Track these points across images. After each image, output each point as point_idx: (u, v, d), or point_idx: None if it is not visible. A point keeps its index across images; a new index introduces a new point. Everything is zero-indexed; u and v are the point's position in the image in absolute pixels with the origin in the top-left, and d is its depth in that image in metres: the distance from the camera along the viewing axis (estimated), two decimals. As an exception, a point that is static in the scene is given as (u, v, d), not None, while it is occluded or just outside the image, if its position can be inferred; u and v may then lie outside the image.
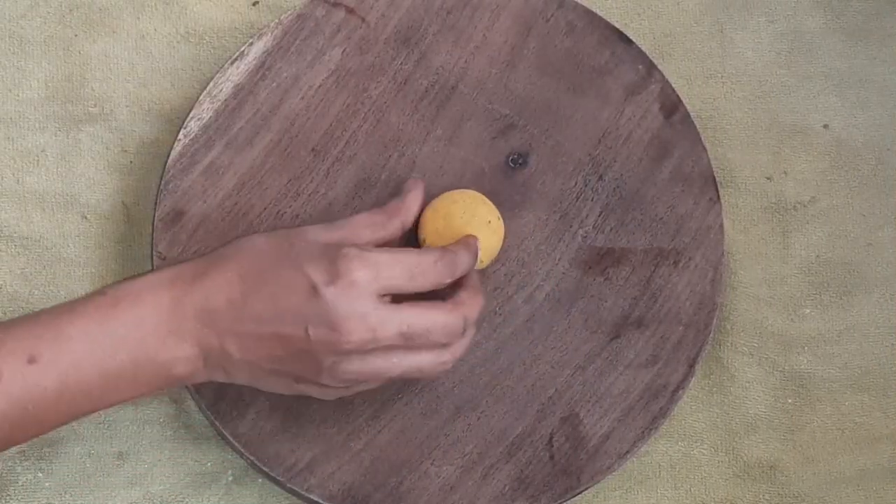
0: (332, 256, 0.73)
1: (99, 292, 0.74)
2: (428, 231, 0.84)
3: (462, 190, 0.86)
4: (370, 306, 0.72)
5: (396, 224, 0.80)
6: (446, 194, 0.85)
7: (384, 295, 0.74)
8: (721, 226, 0.89)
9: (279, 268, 0.73)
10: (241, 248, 0.75)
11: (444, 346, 0.76)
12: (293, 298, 0.72)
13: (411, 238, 0.85)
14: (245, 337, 0.73)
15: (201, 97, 0.88)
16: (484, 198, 0.85)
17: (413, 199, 0.82)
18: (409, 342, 0.74)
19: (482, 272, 0.87)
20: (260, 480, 0.87)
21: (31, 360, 0.71)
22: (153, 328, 0.73)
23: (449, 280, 0.77)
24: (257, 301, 0.73)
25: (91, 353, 0.72)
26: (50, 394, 0.71)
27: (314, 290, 0.72)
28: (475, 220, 0.84)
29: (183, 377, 0.75)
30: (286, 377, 0.75)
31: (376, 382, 0.77)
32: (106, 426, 0.87)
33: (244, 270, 0.74)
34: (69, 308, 0.73)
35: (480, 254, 0.83)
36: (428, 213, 0.84)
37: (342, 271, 0.72)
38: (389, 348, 0.74)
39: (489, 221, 0.84)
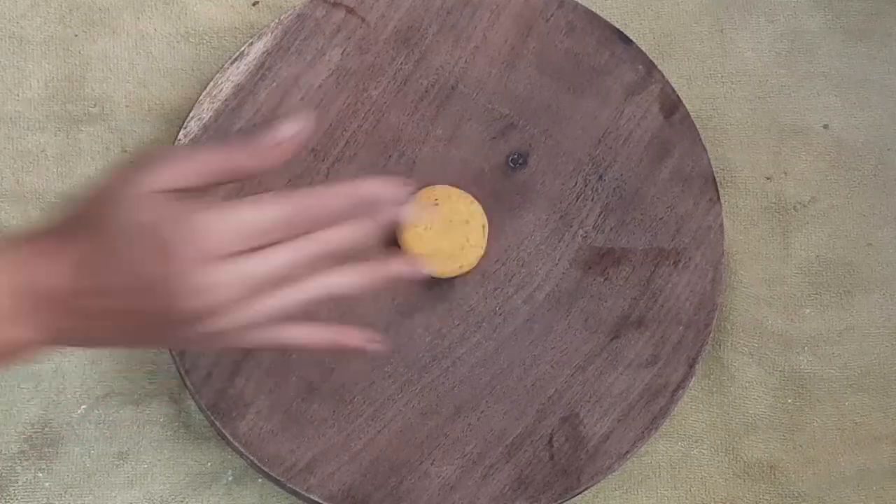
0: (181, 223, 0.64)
1: None
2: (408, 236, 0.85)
3: (440, 186, 0.87)
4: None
5: (246, 166, 0.67)
6: (426, 190, 0.87)
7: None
8: (721, 226, 0.89)
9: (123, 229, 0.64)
10: (84, 223, 0.66)
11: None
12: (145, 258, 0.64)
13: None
14: (93, 316, 0.65)
15: (201, 97, 0.88)
16: (459, 191, 0.87)
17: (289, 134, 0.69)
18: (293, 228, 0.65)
19: (482, 272, 0.87)
20: (260, 480, 0.87)
21: None
22: None
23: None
24: (108, 273, 0.64)
25: None
26: None
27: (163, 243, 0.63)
28: (457, 217, 0.85)
29: (23, 357, 0.67)
30: (147, 324, 0.66)
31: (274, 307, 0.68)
32: (106, 426, 0.87)
33: (87, 251, 0.65)
34: None
35: (470, 255, 0.85)
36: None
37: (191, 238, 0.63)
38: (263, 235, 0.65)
39: (467, 221, 0.86)
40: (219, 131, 0.88)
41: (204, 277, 0.63)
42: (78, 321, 0.65)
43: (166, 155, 0.65)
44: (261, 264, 0.64)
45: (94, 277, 0.64)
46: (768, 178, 0.93)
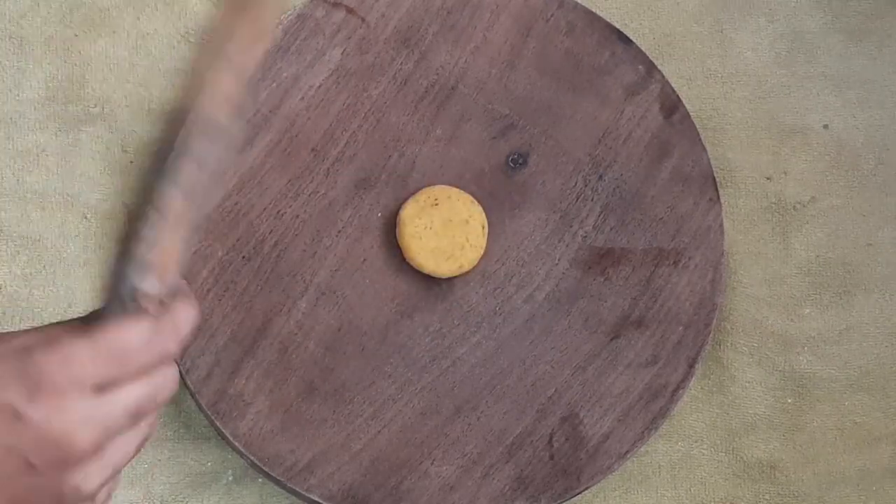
0: (22, 366, 0.56)
1: None
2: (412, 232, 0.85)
3: (439, 186, 0.87)
4: (88, 405, 0.57)
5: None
6: (426, 190, 0.87)
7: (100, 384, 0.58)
8: (721, 226, 0.89)
9: None
10: None
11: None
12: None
13: (396, 239, 0.85)
14: None
15: (201, 97, 0.88)
16: (459, 191, 0.87)
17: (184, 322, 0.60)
18: (140, 410, 0.60)
19: (482, 272, 0.87)
20: (260, 480, 0.87)
21: None
22: None
23: (176, 348, 0.60)
24: None
25: None
26: None
27: (16, 415, 0.56)
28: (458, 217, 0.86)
29: None
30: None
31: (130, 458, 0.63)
32: (106, 426, 0.87)
33: None
34: None
35: (471, 253, 0.85)
36: (411, 209, 0.86)
37: (41, 381, 0.56)
38: (128, 427, 0.60)
39: (467, 220, 0.86)
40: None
41: (60, 419, 0.57)
42: None
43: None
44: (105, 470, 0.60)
45: None
46: (768, 178, 0.93)
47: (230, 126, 0.60)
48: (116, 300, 0.58)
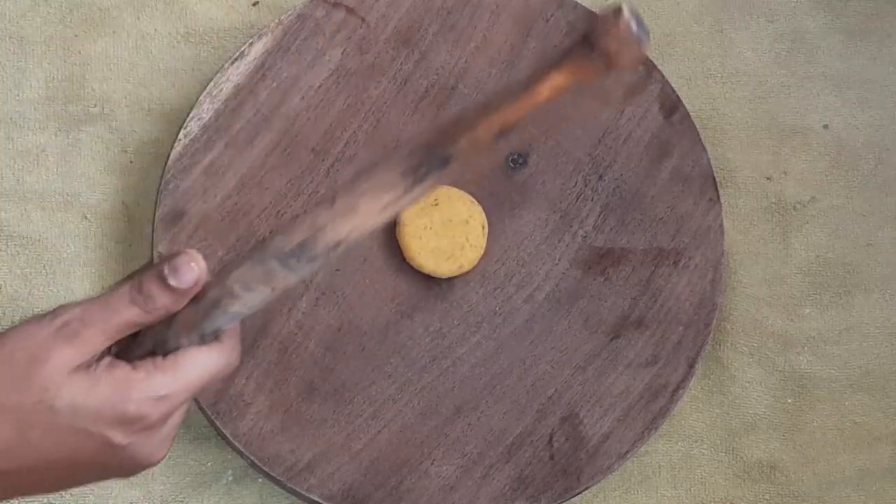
0: (119, 411, 0.63)
1: None
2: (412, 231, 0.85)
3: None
4: (166, 428, 0.66)
5: (160, 313, 0.65)
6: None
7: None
8: (721, 226, 0.89)
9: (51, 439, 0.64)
10: None
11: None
12: (86, 454, 0.64)
13: (395, 240, 0.85)
14: (32, 481, 0.65)
15: (201, 97, 0.88)
16: (459, 192, 0.87)
17: (189, 280, 0.65)
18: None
19: (482, 272, 0.87)
20: (260, 480, 0.87)
21: None
22: None
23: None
24: (40, 445, 0.63)
25: None
26: None
27: (109, 444, 0.64)
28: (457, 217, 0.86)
29: None
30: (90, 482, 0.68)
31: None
32: (106, 426, 0.87)
33: (7, 438, 0.63)
34: None
35: (471, 253, 0.85)
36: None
37: (136, 422, 0.64)
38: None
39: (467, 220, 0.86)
40: (219, 131, 0.88)
41: (148, 446, 0.65)
42: (10, 493, 0.65)
43: (66, 332, 0.63)
44: (177, 418, 0.66)
45: (19, 462, 0.63)
46: (768, 178, 0.93)
47: (336, 253, 0.64)
48: (196, 335, 0.64)
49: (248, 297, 0.64)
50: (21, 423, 0.63)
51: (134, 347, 0.66)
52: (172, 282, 0.63)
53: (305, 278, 0.64)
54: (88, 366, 0.63)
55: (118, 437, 0.63)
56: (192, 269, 0.64)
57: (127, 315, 0.64)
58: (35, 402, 0.62)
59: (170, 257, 0.64)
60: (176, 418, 0.66)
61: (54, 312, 0.64)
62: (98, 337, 0.63)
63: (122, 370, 0.63)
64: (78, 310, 0.63)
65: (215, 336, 0.65)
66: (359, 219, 0.62)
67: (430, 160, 0.61)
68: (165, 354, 0.64)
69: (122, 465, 0.65)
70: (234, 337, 0.66)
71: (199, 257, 0.64)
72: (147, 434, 0.64)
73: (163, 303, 0.64)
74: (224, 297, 0.64)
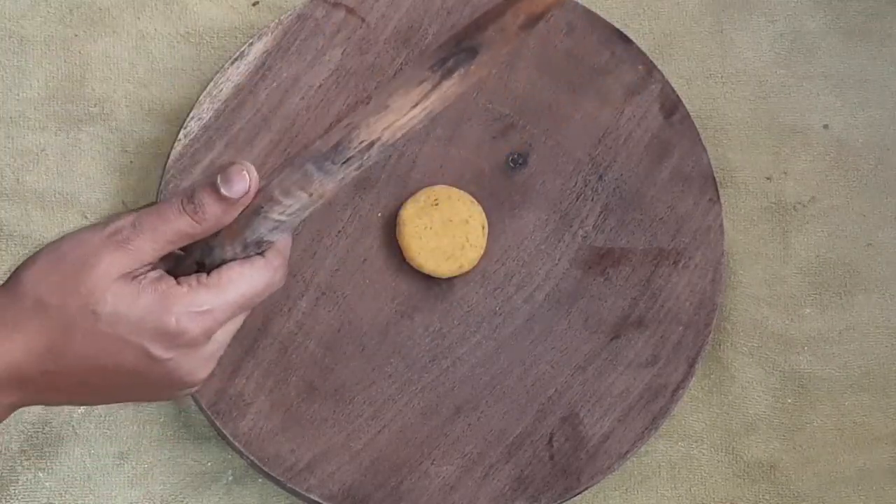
0: (160, 323, 0.64)
1: None
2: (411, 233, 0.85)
3: (439, 186, 0.87)
4: (210, 347, 0.66)
5: (210, 224, 0.65)
6: (426, 191, 0.87)
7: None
8: (721, 226, 0.89)
9: (96, 337, 0.64)
10: (40, 309, 0.64)
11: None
12: (126, 365, 0.65)
13: (394, 240, 0.86)
14: (71, 391, 0.66)
15: (201, 97, 0.88)
16: (459, 191, 0.87)
17: (240, 189, 0.66)
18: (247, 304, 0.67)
19: (482, 272, 0.87)
20: (260, 480, 0.87)
21: None
22: None
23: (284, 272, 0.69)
24: (79, 351, 0.64)
25: None
26: None
27: (151, 357, 0.64)
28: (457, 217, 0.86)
29: None
30: (133, 398, 0.68)
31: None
32: (106, 426, 0.87)
33: (52, 339, 0.64)
34: None
35: (471, 253, 0.85)
36: (410, 210, 0.86)
37: (178, 338, 0.64)
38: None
39: (467, 220, 0.86)
40: (219, 131, 0.88)
41: (189, 362, 0.65)
42: (52, 395, 0.66)
43: (118, 238, 0.64)
44: (221, 337, 0.67)
45: (62, 363, 0.64)
46: (768, 178, 0.93)
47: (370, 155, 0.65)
48: (239, 245, 0.65)
49: (288, 203, 0.64)
50: (66, 325, 0.63)
51: (180, 263, 0.66)
52: (224, 191, 0.64)
53: (343, 183, 0.64)
54: (135, 276, 0.63)
55: (158, 349, 0.64)
56: (244, 178, 0.64)
57: (177, 225, 0.64)
58: (80, 305, 0.63)
59: (222, 167, 0.64)
60: (220, 337, 0.65)
61: (107, 220, 0.65)
62: (147, 245, 0.63)
63: (167, 283, 0.64)
64: (130, 218, 0.64)
65: (259, 248, 0.65)
66: (391, 115, 0.63)
67: (458, 52, 0.62)
68: (209, 271, 0.65)
69: (163, 382, 0.65)
70: (278, 255, 0.66)
71: (252, 168, 0.65)
72: (188, 350, 0.64)
73: (213, 212, 0.64)
74: (264, 204, 0.64)
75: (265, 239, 0.65)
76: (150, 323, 0.63)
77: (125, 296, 0.63)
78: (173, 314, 0.63)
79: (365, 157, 0.64)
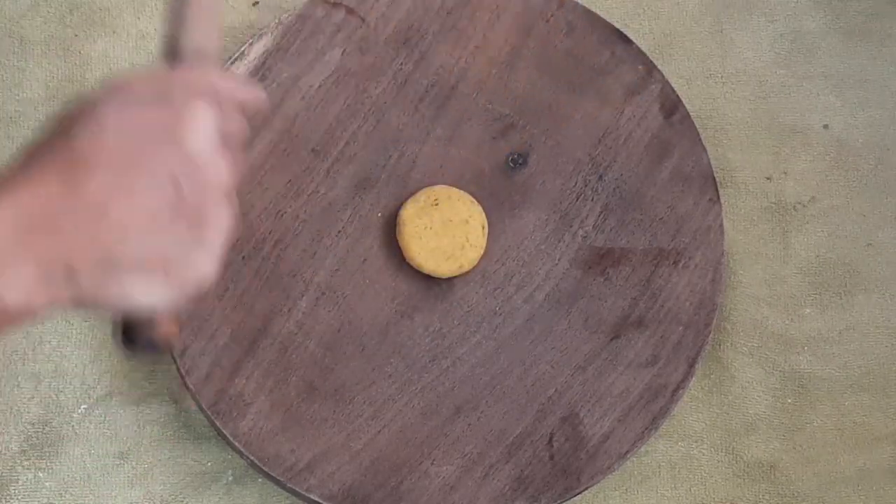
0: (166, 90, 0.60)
1: None
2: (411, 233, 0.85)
3: (439, 186, 0.87)
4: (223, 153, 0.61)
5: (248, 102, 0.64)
6: (426, 191, 0.87)
7: None
8: (721, 226, 0.89)
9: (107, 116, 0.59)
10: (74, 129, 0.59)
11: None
12: (141, 156, 0.58)
13: (394, 241, 0.86)
14: (91, 228, 0.57)
15: (201, 97, 0.88)
16: (458, 191, 0.87)
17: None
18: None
19: (482, 272, 0.87)
20: (260, 480, 0.87)
21: None
22: None
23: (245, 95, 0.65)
24: (97, 174, 0.57)
25: None
26: None
27: (172, 133, 0.59)
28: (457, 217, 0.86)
29: (15, 308, 0.57)
30: (155, 259, 0.59)
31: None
32: (106, 426, 0.87)
33: (68, 159, 0.58)
34: None
35: (472, 253, 0.85)
36: (410, 210, 0.86)
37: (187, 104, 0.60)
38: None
39: (467, 220, 0.86)
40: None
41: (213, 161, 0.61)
42: (85, 242, 0.57)
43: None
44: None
45: (89, 185, 0.57)
46: (768, 178, 0.93)
47: None
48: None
49: None
50: (69, 138, 0.58)
51: None
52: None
53: None
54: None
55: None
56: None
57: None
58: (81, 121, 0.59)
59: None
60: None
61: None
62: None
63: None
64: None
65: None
66: None
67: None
68: None
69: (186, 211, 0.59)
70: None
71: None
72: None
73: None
74: None
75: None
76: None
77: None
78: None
79: None
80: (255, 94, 0.65)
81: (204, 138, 0.60)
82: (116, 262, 0.58)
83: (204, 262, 0.60)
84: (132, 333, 0.62)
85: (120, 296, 0.59)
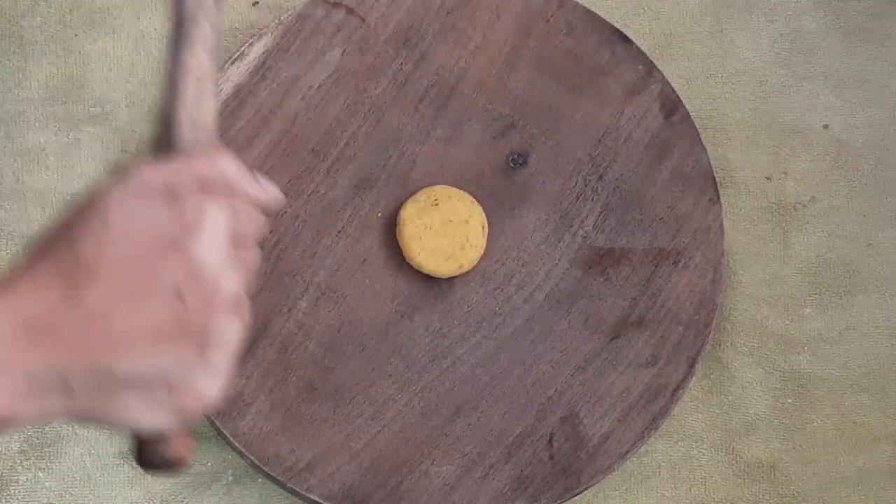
0: (176, 204, 0.57)
1: None
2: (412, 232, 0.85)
3: (439, 186, 0.87)
4: (229, 253, 0.58)
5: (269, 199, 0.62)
6: (426, 191, 0.87)
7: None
8: (721, 226, 0.89)
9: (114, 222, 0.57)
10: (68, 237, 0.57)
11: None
12: (145, 266, 0.56)
13: (395, 244, 0.86)
14: (88, 339, 0.55)
15: (201, 97, 0.88)
16: (459, 191, 0.87)
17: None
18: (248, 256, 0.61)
19: (482, 272, 0.87)
20: (260, 480, 0.87)
21: None
22: None
23: (255, 193, 0.62)
24: (100, 282, 0.55)
25: None
26: None
27: (176, 244, 0.56)
28: (457, 217, 0.86)
29: (1, 414, 0.54)
30: (156, 378, 0.56)
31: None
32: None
33: (68, 262, 0.56)
34: None
35: (472, 253, 0.85)
36: (410, 210, 0.86)
37: (197, 220, 0.57)
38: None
39: (466, 220, 0.86)
40: (219, 131, 0.88)
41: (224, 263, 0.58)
42: (83, 354, 0.55)
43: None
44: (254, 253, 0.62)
45: (91, 293, 0.55)
46: (768, 178, 0.93)
47: None
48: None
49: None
50: (75, 244, 0.56)
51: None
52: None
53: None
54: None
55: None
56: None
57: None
58: (86, 224, 0.56)
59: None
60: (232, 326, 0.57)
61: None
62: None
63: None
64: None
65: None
66: None
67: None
68: None
69: (185, 322, 0.56)
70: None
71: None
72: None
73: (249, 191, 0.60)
74: None
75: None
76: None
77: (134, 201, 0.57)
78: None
79: None
80: (271, 194, 0.62)
81: (213, 248, 0.57)
82: (115, 377, 0.56)
83: (209, 384, 0.57)
84: (145, 452, 0.59)
85: (119, 414, 0.57)
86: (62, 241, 0.56)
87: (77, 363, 0.55)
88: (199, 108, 0.62)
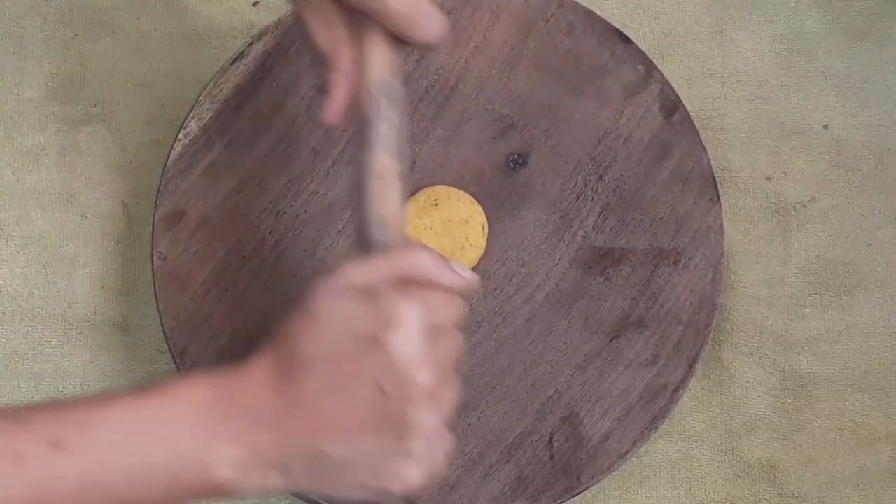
0: (376, 302, 0.64)
1: (143, 384, 0.68)
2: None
3: (439, 186, 0.87)
4: (427, 343, 0.64)
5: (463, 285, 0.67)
6: (427, 191, 0.87)
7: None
8: (721, 226, 0.89)
9: (323, 334, 0.64)
10: (282, 336, 0.66)
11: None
12: (350, 360, 0.63)
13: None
14: (303, 424, 0.63)
15: (201, 97, 0.88)
16: (459, 192, 0.87)
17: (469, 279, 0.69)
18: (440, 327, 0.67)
19: (482, 272, 0.87)
20: (260, 480, 0.87)
21: (57, 446, 0.60)
22: (189, 426, 0.62)
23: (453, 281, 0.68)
24: (314, 375, 0.63)
25: (118, 444, 0.62)
26: (71, 484, 0.61)
27: (376, 341, 0.63)
28: (457, 217, 0.86)
29: (227, 484, 0.63)
30: (363, 462, 0.63)
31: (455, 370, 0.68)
32: (106, 426, 0.87)
33: (286, 356, 0.64)
34: (107, 396, 0.64)
35: (472, 253, 0.85)
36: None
37: (392, 315, 0.64)
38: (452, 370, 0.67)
39: (466, 220, 0.86)
40: (219, 132, 0.88)
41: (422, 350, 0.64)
42: (302, 437, 0.63)
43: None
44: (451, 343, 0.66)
45: (305, 383, 0.63)
46: (768, 178, 0.93)
47: (398, 83, 0.70)
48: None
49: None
50: (290, 340, 0.64)
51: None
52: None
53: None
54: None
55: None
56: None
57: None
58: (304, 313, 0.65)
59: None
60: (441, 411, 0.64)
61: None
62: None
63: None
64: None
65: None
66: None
67: None
68: None
69: (393, 405, 0.63)
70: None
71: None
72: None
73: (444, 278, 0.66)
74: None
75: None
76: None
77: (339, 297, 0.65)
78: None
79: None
80: (466, 278, 0.67)
81: (407, 342, 0.63)
82: (328, 459, 0.63)
83: (408, 471, 0.64)
84: None
85: (330, 492, 0.64)
86: (283, 338, 0.65)
87: (296, 445, 0.63)
88: (385, 204, 0.68)
